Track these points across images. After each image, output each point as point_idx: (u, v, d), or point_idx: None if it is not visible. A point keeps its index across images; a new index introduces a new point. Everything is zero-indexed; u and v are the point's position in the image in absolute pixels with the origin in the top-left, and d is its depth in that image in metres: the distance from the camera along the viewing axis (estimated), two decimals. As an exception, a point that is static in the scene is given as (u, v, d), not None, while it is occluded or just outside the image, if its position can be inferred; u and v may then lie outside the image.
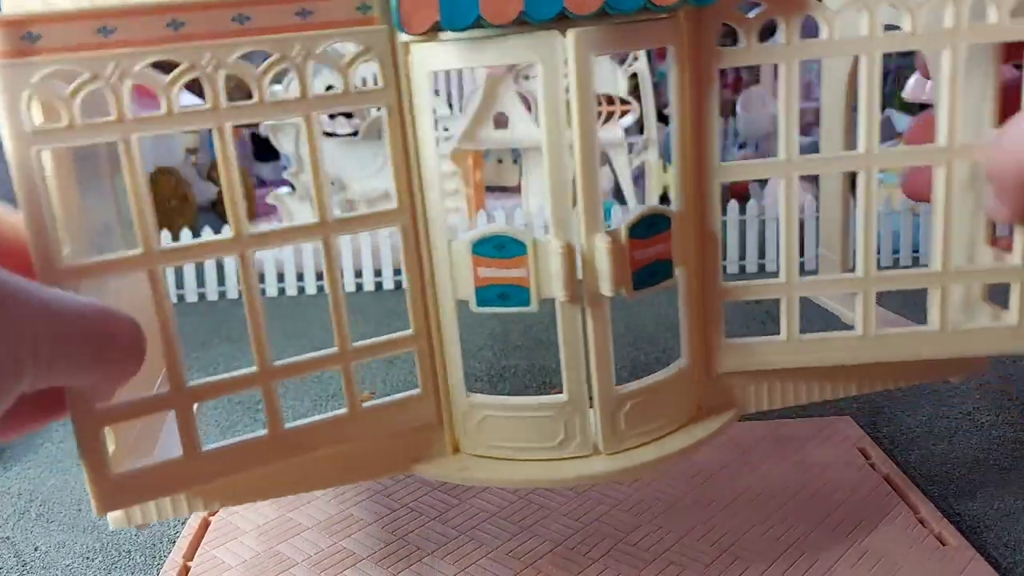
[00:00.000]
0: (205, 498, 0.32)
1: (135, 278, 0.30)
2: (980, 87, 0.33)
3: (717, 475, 0.44)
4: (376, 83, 0.29)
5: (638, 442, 0.33)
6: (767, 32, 0.32)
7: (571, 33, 0.29)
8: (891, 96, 1.37)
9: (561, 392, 0.32)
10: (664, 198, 0.92)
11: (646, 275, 0.32)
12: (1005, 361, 0.59)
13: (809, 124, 1.32)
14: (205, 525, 0.42)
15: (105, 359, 0.24)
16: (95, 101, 0.26)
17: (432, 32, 0.28)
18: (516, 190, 1.11)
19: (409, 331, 0.32)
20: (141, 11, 0.26)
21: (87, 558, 0.41)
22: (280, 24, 0.27)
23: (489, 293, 0.32)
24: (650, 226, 0.32)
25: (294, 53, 0.28)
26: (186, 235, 0.86)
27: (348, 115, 0.93)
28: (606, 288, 0.31)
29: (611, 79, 1.00)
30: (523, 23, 0.28)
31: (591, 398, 0.32)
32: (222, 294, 0.84)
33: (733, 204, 0.82)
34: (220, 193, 0.99)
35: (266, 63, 0.27)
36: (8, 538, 0.43)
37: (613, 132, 0.99)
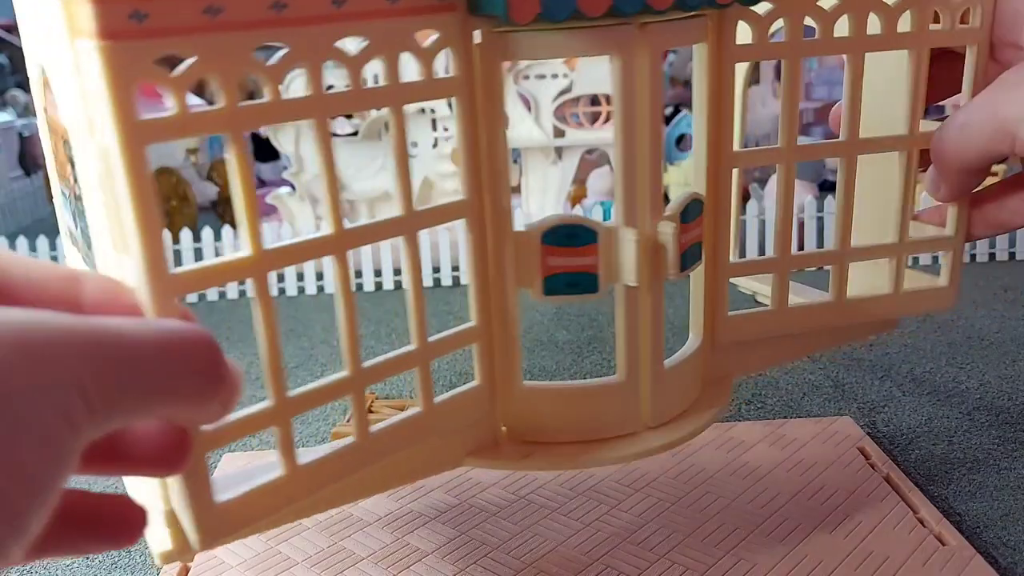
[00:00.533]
0: (295, 515, 0.30)
1: None
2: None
3: (717, 475, 0.44)
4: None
5: (676, 414, 0.35)
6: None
7: (645, 29, 0.30)
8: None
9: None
10: (664, 198, 0.92)
11: (688, 258, 0.33)
12: (1005, 361, 0.59)
13: (808, 124, 1.32)
14: (205, 525, 0.42)
15: (179, 388, 0.20)
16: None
17: (537, 21, 0.28)
18: (516, 190, 1.11)
19: (471, 324, 0.31)
20: None
21: (87, 557, 0.41)
22: (371, 8, 0.26)
23: (557, 282, 0.32)
24: (691, 210, 0.33)
25: (380, 40, 0.27)
26: (186, 236, 0.86)
27: (348, 115, 0.93)
28: (673, 272, 0.32)
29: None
30: (612, 14, 0.28)
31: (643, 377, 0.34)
32: (222, 294, 0.84)
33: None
34: (220, 193, 0.99)
35: (361, 50, 0.26)
36: (8, 538, 0.43)
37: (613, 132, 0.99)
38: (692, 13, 0.31)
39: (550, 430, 0.34)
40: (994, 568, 0.36)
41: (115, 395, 0.19)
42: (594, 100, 0.95)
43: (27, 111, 1.45)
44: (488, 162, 0.30)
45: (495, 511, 0.42)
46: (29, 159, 1.34)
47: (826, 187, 1.08)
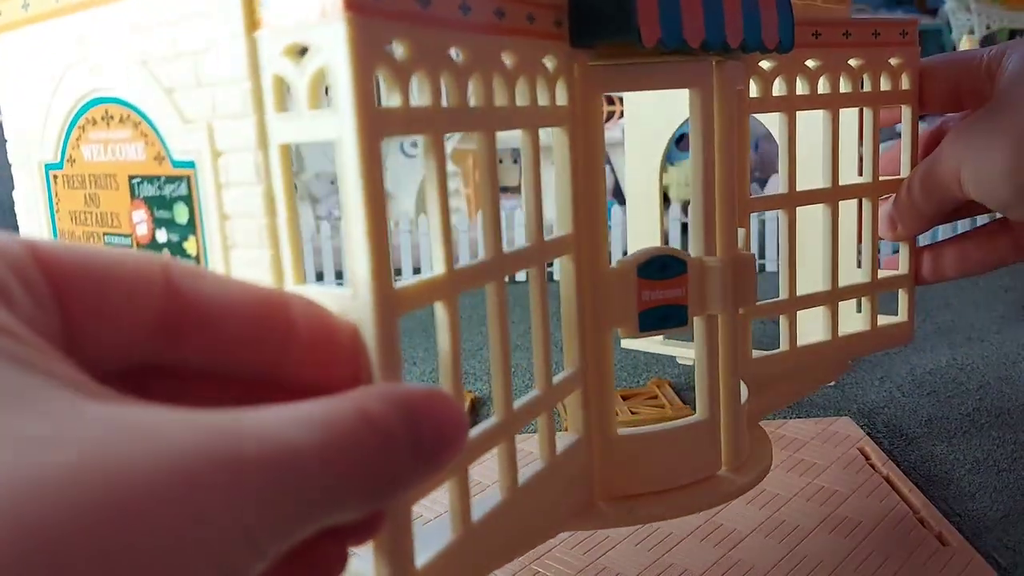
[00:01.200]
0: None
1: None
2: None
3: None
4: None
5: (746, 454, 0.34)
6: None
7: (720, 66, 0.31)
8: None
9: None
10: (664, 198, 0.92)
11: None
12: (1005, 362, 0.59)
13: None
14: (204, 525, 0.42)
15: (387, 493, 0.16)
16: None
17: (656, 48, 0.28)
18: (516, 190, 1.11)
19: (572, 371, 0.29)
20: None
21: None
22: (520, 27, 0.25)
23: (652, 316, 0.31)
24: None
25: (527, 58, 0.25)
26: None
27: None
28: (751, 301, 0.33)
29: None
30: (702, 48, 0.29)
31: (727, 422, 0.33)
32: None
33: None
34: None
35: (512, 65, 0.25)
36: (7, 538, 0.43)
37: (613, 132, 0.99)
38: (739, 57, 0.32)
39: (647, 477, 0.31)
40: (994, 569, 0.36)
41: (290, 529, 0.14)
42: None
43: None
44: (587, 198, 0.29)
45: (494, 511, 0.42)
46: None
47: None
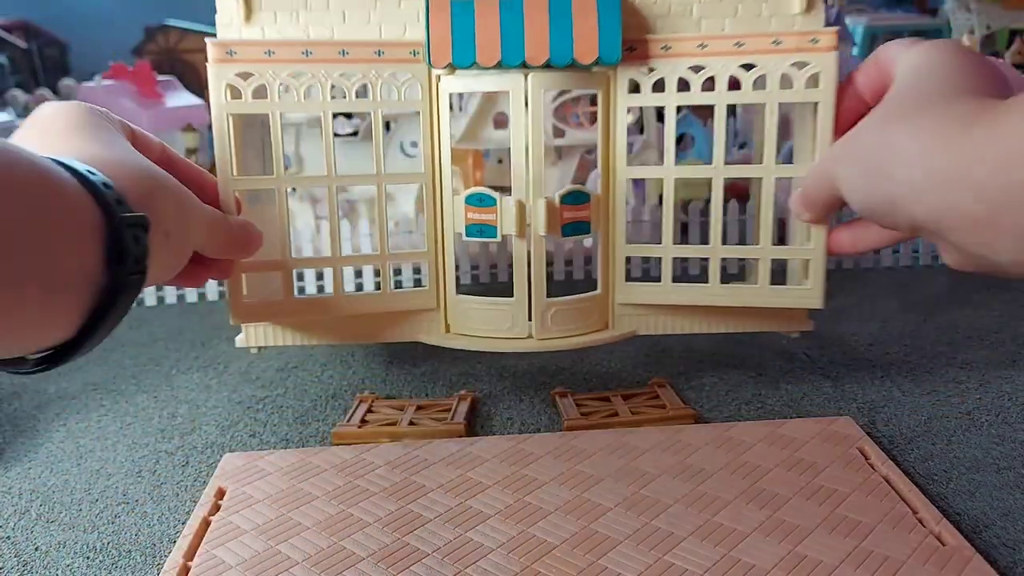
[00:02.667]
0: (293, 331, 0.54)
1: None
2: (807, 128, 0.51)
3: (717, 475, 0.44)
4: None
5: (558, 335, 0.52)
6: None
7: (530, 75, 0.48)
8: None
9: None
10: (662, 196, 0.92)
11: (571, 228, 0.51)
12: (1005, 361, 0.59)
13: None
14: (205, 525, 0.42)
15: (236, 250, 0.46)
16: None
17: (450, 68, 0.49)
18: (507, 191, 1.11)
19: (424, 249, 0.53)
20: (316, 44, 0.49)
21: (88, 557, 0.41)
22: (367, 58, 0.49)
23: (473, 228, 0.51)
24: (576, 198, 0.50)
25: (374, 75, 0.49)
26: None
27: (348, 115, 0.93)
28: (540, 231, 0.50)
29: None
30: (501, 67, 0.48)
31: (530, 303, 0.51)
32: (222, 294, 0.84)
33: (734, 204, 0.82)
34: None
35: (356, 80, 0.49)
36: (9, 538, 0.43)
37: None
38: (563, 69, 0.49)
39: (472, 326, 0.53)
40: (994, 568, 0.36)
41: (214, 246, 0.43)
42: (593, 100, 0.95)
43: (27, 111, 1.45)
44: (438, 149, 0.52)
45: (494, 513, 0.42)
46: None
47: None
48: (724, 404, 0.55)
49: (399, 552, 0.39)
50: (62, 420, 0.57)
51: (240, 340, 0.54)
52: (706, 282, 0.51)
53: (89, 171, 0.31)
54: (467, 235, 0.50)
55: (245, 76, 0.48)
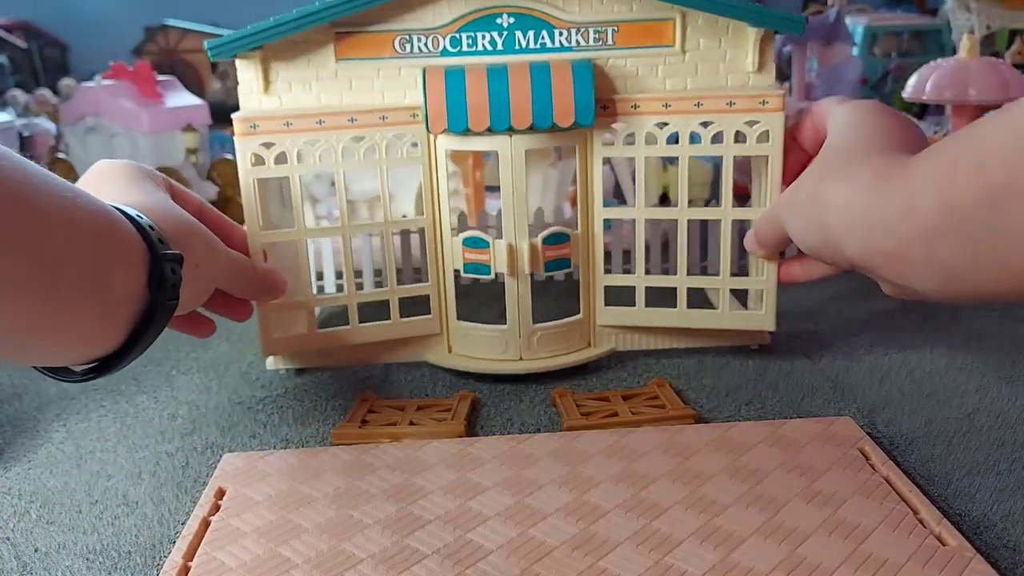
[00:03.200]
0: (315, 354, 0.62)
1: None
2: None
3: (716, 477, 0.44)
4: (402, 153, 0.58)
5: (544, 356, 0.60)
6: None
7: (515, 137, 0.55)
8: (891, 95, 1.37)
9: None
10: (664, 198, 0.92)
11: (554, 265, 0.58)
12: (1005, 362, 0.59)
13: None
14: (205, 526, 0.42)
15: (261, 293, 0.55)
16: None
17: (445, 132, 0.55)
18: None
19: (429, 283, 0.60)
20: (328, 113, 0.56)
21: (87, 559, 0.41)
22: (373, 123, 0.57)
23: (470, 267, 0.58)
24: (557, 238, 0.58)
25: (379, 137, 0.57)
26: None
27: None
28: (525, 269, 0.57)
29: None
30: (490, 130, 0.54)
31: (520, 329, 0.58)
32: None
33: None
34: (220, 193, 0.99)
35: (364, 143, 0.57)
36: (8, 539, 0.43)
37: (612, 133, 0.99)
38: (545, 131, 0.56)
39: (470, 349, 0.61)
40: (995, 569, 0.36)
41: (239, 284, 0.53)
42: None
43: (27, 111, 1.45)
44: (438, 195, 0.60)
45: (493, 514, 0.42)
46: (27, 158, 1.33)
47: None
48: (724, 404, 0.55)
49: (399, 554, 0.39)
50: (62, 421, 0.57)
51: (270, 363, 0.62)
52: (674, 307, 0.59)
53: (139, 215, 0.40)
54: (464, 272, 0.58)
55: (268, 145, 0.55)
